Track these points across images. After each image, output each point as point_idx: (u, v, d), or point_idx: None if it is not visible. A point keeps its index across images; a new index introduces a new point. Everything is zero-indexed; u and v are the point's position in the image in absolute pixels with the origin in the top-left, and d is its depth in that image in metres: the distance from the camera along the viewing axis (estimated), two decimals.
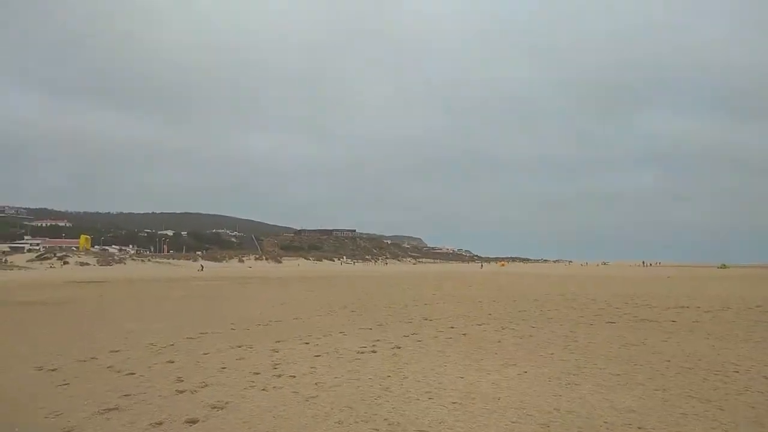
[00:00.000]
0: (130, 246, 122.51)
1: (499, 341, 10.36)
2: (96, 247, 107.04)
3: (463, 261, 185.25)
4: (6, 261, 70.86)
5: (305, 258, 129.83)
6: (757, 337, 10.69)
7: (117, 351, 9.35)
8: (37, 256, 79.48)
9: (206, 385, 6.79)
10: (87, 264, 74.68)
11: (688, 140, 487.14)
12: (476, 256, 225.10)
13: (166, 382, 7.00)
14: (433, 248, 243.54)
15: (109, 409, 5.70)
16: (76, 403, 5.95)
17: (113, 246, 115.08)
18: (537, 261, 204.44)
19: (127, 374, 7.50)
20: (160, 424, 5.23)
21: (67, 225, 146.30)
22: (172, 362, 8.33)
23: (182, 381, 7.02)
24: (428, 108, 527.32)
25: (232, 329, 12.15)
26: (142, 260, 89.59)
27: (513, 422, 5.24)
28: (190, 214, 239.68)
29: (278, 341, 10.36)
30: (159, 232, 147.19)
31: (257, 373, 7.49)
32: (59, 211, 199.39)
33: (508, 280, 41.44)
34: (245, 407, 5.79)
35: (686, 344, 9.83)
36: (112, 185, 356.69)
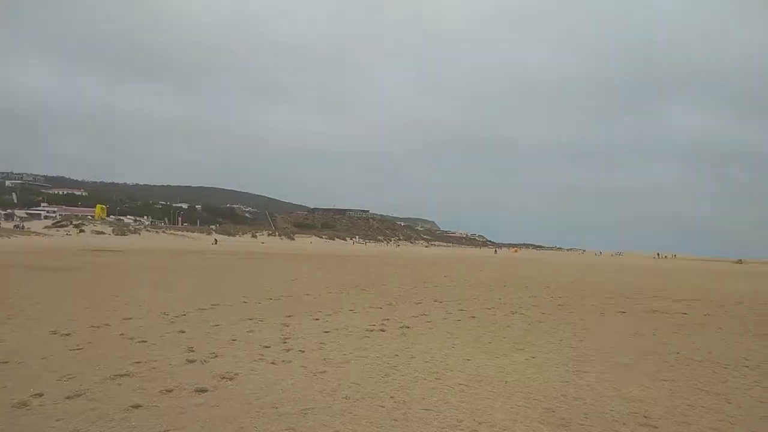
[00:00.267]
0: (145, 217, 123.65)
1: (509, 326, 10.36)
2: (111, 216, 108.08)
3: (476, 246, 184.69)
4: (23, 227, 71.88)
5: (318, 236, 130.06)
6: None
7: (130, 319, 9.50)
8: (53, 223, 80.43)
9: (216, 356, 6.88)
10: (102, 233, 75.45)
11: (711, 136, 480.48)
12: (489, 241, 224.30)
13: (177, 351, 7.10)
14: (446, 232, 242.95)
15: (121, 375, 5.80)
16: (88, 368, 6.06)
17: (128, 216, 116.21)
18: (550, 249, 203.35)
19: (138, 342, 7.62)
20: (170, 391, 5.31)
21: (83, 194, 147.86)
22: (184, 332, 8.44)
23: (193, 351, 7.12)
24: (446, 92, 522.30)
25: (244, 302, 12.27)
26: (157, 231, 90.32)
27: (519, 406, 5.25)
28: (206, 188, 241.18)
29: (288, 316, 10.45)
30: (174, 205, 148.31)
31: (267, 347, 7.57)
32: (76, 180, 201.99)
33: (520, 266, 41.34)
34: (254, 379, 5.86)
35: (697, 337, 9.77)
36: (131, 157, 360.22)
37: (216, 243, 72.49)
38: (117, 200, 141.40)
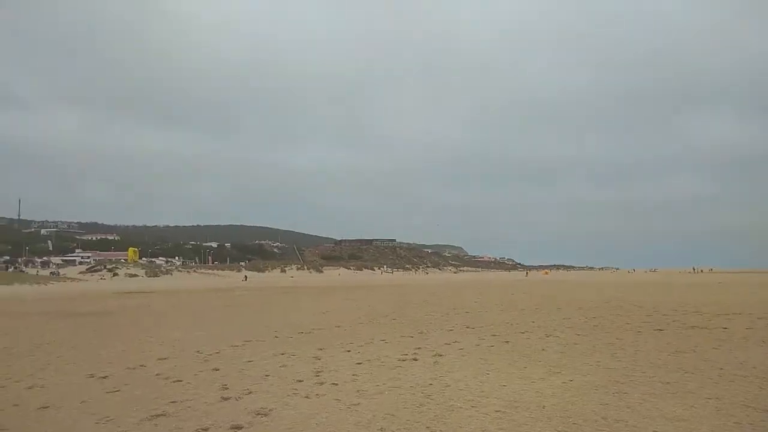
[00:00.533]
0: (177, 257, 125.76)
1: (543, 349, 10.17)
2: (144, 259, 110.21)
3: (505, 269, 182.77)
4: (59, 273, 73.67)
5: (345, 267, 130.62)
6: None
7: (165, 359, 9.61)
8: (88, 269, 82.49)
9: (250, 392, 6.89)
10: (135, 275, 76.97)
11: (740, 146, 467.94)
12: (519, 264, 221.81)
13: (211, 389, 7.14)
14: (474, 257, 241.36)
15: (157, 415, 5.85)
16: (125, 410, 6.13)
17: (160, 258, 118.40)
18: (581, 269, 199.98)
19: (174, 381, 7.70)
20: (206, 429, 5.33)
21: (116, 238, 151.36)
22: (218, 370, 8.49)
23: (227, 388, 7.15)
24: (465, 114, 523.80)
25: (276, 337, 12.31)
26: (188, 271, 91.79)
27: (558, 431, 5.13)
28: (234, 226, 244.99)
29: (320, 349, 10.44)
30: (204, 244, 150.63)
31: (300, 381, 7.56)
32: (109, 225, 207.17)
33: (552, 287, 40.67)
34: (288, 414, 5.85)
35: (739, 351, 9.43)
36: (159, 199, 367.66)
37: (246, 279, 73.22)
38: (149, 242, 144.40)
